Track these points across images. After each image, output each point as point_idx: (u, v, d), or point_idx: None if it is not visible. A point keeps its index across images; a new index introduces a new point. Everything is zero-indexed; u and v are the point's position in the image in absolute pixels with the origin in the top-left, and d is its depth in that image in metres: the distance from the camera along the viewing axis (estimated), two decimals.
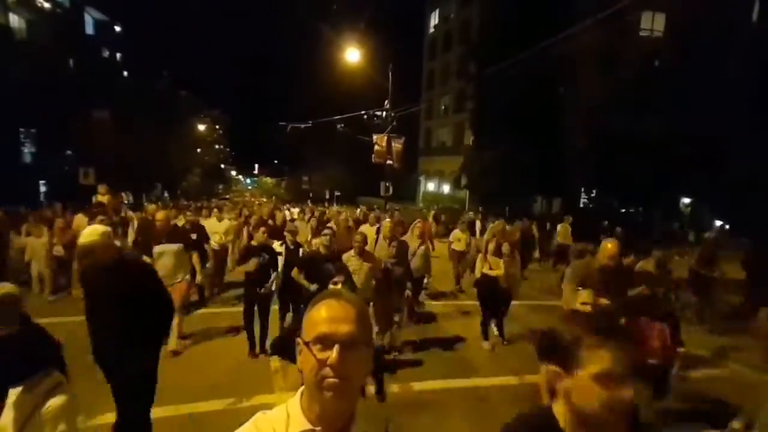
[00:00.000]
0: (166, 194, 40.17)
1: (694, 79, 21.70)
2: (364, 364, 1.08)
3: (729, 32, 24.02)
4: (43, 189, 27.03)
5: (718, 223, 26.90)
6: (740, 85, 21.36)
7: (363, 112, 26.07)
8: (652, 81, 22.29)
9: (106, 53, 37.16)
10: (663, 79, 22.45)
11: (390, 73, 22.75)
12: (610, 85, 22.90)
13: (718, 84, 21.69)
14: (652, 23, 29.94)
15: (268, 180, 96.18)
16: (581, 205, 28.70)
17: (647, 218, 25.22)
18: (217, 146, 72.86)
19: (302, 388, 1.11)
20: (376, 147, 23.27)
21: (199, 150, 54.96)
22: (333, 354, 1.01)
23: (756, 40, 25.71)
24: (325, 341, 1.03)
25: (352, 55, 22.95)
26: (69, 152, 28.60)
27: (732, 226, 22.85)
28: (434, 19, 46.33)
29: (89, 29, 34.91)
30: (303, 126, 30.76)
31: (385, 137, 22.98)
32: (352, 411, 1.09)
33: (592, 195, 28.04)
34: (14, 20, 26.12)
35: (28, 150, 27.21)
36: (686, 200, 29.02)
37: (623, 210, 27.35)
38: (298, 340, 1.09)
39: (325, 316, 1.06)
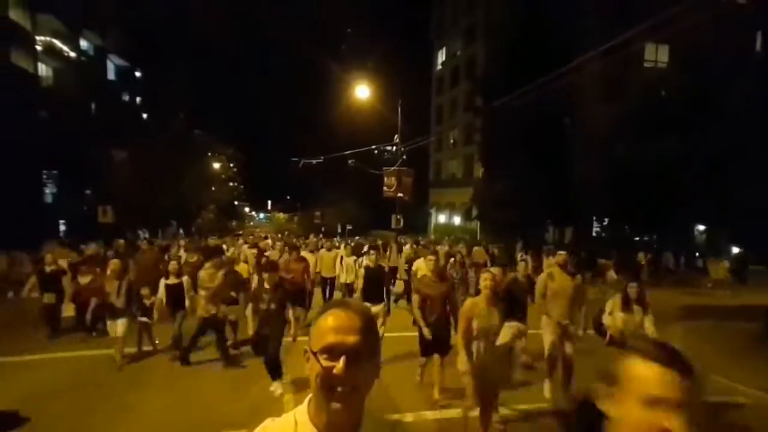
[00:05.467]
0: (181, 231, 40.77)
1: (700, 108, 21.88)
2: (371, 374, 1.10)
3: (733, 61, 24.33)
4: (62, 228, 27.70)
5: (735, 249, 26.49)
6: (747, 111, 21.45)
7: (373, 146, 26.67)
8: (659, 110, 22.50)
9: (126, 97, 38.68)
10: (669, 108, 22.65)
11: (399, 109, 23.32)
12: (616, 114, 23.18)
13: (724, 112, 21.83)
14: (656, 54, 30.46)
15: (281, 216, 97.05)
16: (594, 234, 28.52)
17: (661, 246, 24.91)
18: (231, 183, 74.24)
19: (310, 395, 1.12)
20: (386, 181, 23.60)
21: (213, 188, 56.02)
22: (339, 364, 1.02)
23: (760, 67, 26.00)
24: (332, 351, 1.04)
25: (362, 91, 23.64)
26: (88, 192, 29.42)
27: (749, 251, 22.49)
28: (441, 57, 47.61)
29: (111, 75, 36.50)
30: (315, 161, 31.41)
31: (395, 171, 23.33)
32: (359, 419, 1.10)
33: (604, 224, 27.86)
34: (42, 69, 27.49)
35: (49, 191, 28.09)
36: (701, 227, 28.69)
37: (636, 238, 27.10)
38: (306, 348, 1.11)
39: (332, 325, 1.07)
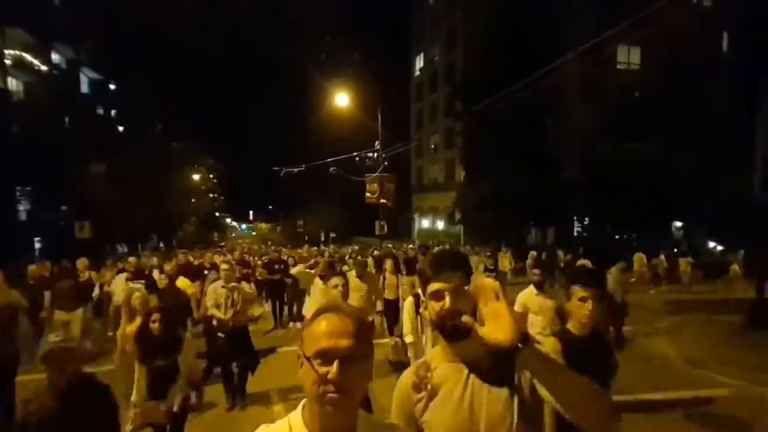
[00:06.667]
0: (161, 245, 40.11)
1: (672, 107, 22.49)
2: (365, 377, 1.10)
3: (702, 62, 25.08)
4: (38, 245, 26.97)
5: (711, 244, 27.15)
6: (718, 110, 22.12)
7: (355, 153, 26.69)
8: (633, 110, 23.03)
9: (101, 110, 37.96)
10: (643, 108, 23.21)
11: (379, 115, 23.40)
12: (594, 115, 23.66)
13: (696, 110, 22.47)
14: (629, 56, 31.19)
15: (263, 225, 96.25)
16: (575, 234, 28.92)
17: (641, 244, 25.41)
18: (211, 195, 73.40)
19: (304, 401, 1.13)
20: (369, 187, 23.64)
21: (193, 199, 55.32)
22: (333, 369, 1.02)
23: (727, 67, 26.85)
24: (326, 356, 1.04)
25: (342, 99, 23.68)
26: (64, 207, 28.74)
27: (726, 245, 23.07)
28: (419, 63, 47.98)
29: (84, 88, 35.79)
30: (296, 170, 31.25)
31: (377, 177, 23.39)
32: (353, 422, 1.11)
33: (585, 223, 28.29)
34: (12, 83, 26.82)
35: (23, 208, 27.34)
36: (678, 224, 29.33)
37: (617, 237, 27.56)
38: (299, 353, 1.11)
39: (325, 330, 1.07)
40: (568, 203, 24.45)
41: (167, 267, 8.48)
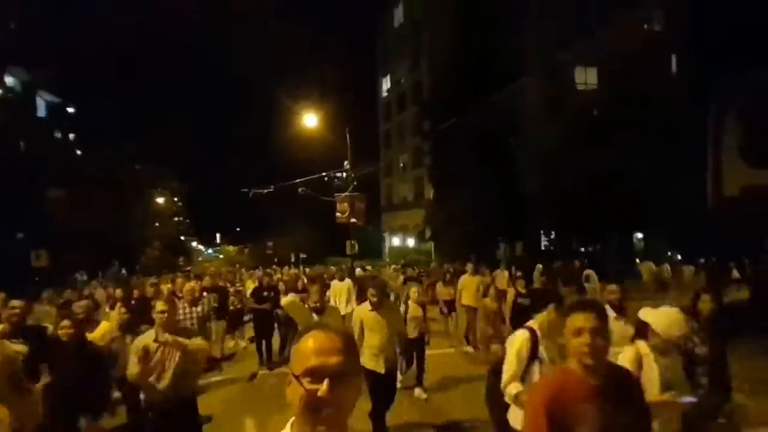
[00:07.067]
0: (123, 271, 38.64)
1: (629, 124, 23.58)
2: (353, 393, 1.10)
3: (654, 81, 26.52)
4: None
5: (674, 255, 28.28)
6: (670, 127, 23.35)
7: (324, 173, 26.63)
8: (591, 128, 24.01)
9: (58, 134, 36.71)
10: (600, 124, 24.25)
11: (347, 135, 23.49)
12: (555, 132, 24.55)
13: (651, 126, 23.64)
14: (586, 77, 32.64)
15: (231, 249, 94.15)
16: (542, 248, 29.60)
17: (604, 255, 26.22)
18: (176, 218, 71.43)
19: (292, 419, 1.11)
20: (339, 207, 23.58)
21: (157, 223, 53.70)
22: (323, 387, 1.02)
23: (677, 85, 28.47)
24: (315, 374, 1.04)
25: (310, 120, 23.68)
26: (20, 235, 27.41)
27: (683, 255, 24.04)
28: (386, 84, 48.74)
29: (41, 112, 34.64)
30: (264, 191, 30.87)
31: (348, 197, 23.37)
32: None
33: (551, 237, 29.03)
34: None
35: None
36: (639, 235, 30.48)
37: (582, 249, 28.37)
38: (288, 372, 1.10)
39: (313, 348, 1.08)
40: (534, 217, 25.08)
41: (78, 307, 6.02)
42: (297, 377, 1.06)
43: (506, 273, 12.15)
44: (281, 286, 10.97)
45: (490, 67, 23.88)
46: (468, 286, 9.50)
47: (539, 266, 13.41)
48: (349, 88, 50.38)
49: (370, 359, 4.68)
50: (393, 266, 20.00)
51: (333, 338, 1.10)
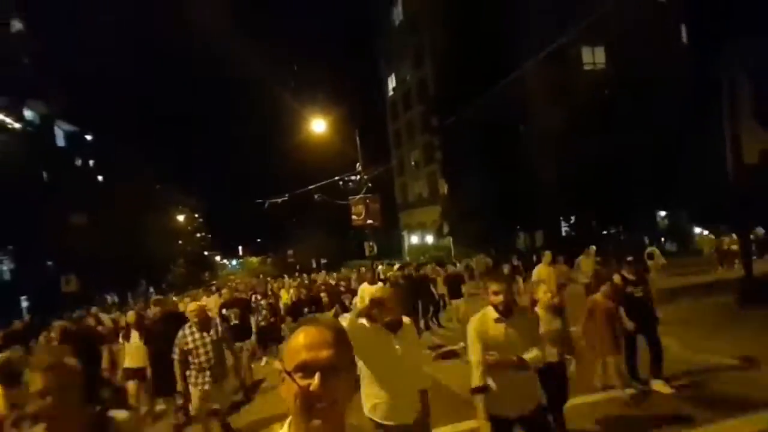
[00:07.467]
0: (151, 290, 39.52)
1: (641, 101, 23.11)
2: (347, 387, 1.09)
3: (664, 54, 25.94)
4: (25, 304, 26.44)
5: (698, 230, 27.59)
6: (681, 96, 22.80)
7: (337, 177, 26.78)
8: (603, 108, 23.61)
9: (78, 161, 37.83)
10: (612, 104, 23.82)
11: (357, 137, 23.57)
12: (566, 116, 24.20)
13: (663, 100, 23.13)
14: (593, 57, 32.09)
15: (253, 260, 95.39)
16: (563, 234, 29.21)
17: (628, 236, 25.75)
18: (198, 234, 72.88)
19: (289, 419, 1.10)
20: (354, 209, 23.64)
21: (180, 241, 54.91)
22: (315, 381, 1.01)
23: (688, 55, 27.76)
24: (306, 368, 1.03)
25: (319, 125, 23.81)
26: (50, 263, 28.31)
27: (710, 229, 23.46)
28: (392, 83, 48.72)
29: (60, 142, 35.73)
30: (280, 200, 31.20)
31: (362, 199, 23.42)
32: None
33: (572, 222, 28.62)
34: None
35: (6, 267, 26.91)
36: (662, 213, 29.83)
37: (604, 232, 27.90)
38: (280, 369, 1.09)
39: (304, 343, 1.06)
40: (552, 204, 24.77)
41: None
42: (289, 373, 1.04)
43: (590, 259, 10.72)
44: (323, 298, 9.61)
45: (494, 55, 23.64)
46: (548, 279, 7.55)
47: (592, 248, 11.54)
48: (355, 91, 50.63)
49: (495, 402, 3.07)
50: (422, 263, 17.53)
51: (323, 332, 1.08)
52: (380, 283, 8.63)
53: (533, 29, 24.69)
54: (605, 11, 13.91)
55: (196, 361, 5.00)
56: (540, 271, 8.74)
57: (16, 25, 30.61)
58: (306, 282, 15.87)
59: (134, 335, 6.55)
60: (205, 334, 5.09)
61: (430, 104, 32.09)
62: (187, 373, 5.04)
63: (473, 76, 23.56)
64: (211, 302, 11.15)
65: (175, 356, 5.03)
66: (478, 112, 20.84)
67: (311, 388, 1.01)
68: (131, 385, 6.38)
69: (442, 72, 32.18)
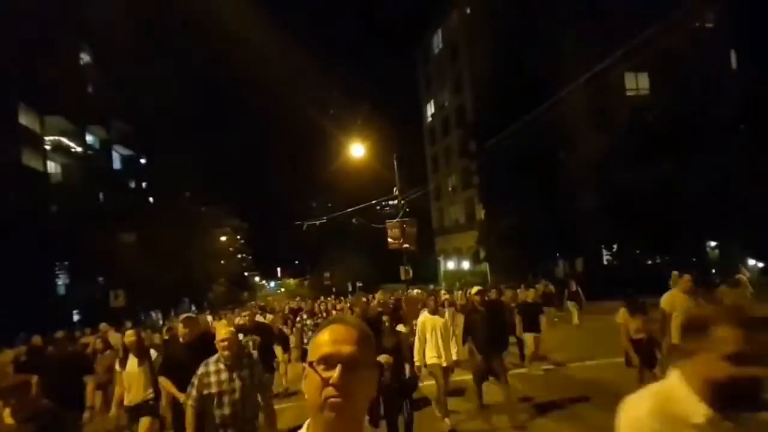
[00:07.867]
0: (193, 308, 40.75)
1: (686, 128, 22.38)
2: (367, 386, 1.10)
3: (712, 80, 25.15)
4: (76, 317, 27.84)
5: (752, 262, 26.02)
6: (732, 127, 21.97)
7: (374, 201, 27.13)
8: (647, 135, 23.00)
9: (132, 183, 40.05)
10: (656, 131, 23.18)
11: (395, 162, 23.93)
12: (607, 143, 23.72)
13: (711, 128, 22.33)
14: (637, 82, 31.53)
15: (291, 282, 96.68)
16: (605, 263, 28.24)
17: (673, 267, 24.61)
18: (239, 255, 74.89)
19: (308, 421, 1.12)
20: (390, 233, 23.81)
21: (222, 261, 56.56)
22: (335, 373, 1.04)
23: (738, 82, 26.79)
24: (328, 361, 1.06)
25: (357, 150, 24.38)
26: (100, 279, 29.81)
27: (760, 259, 22.20)
28: (431, 109, 49.31)
29: (116, 164, 38.03)
30: (318, 223, 31.85)
31: (398, 223, 23.60)
32: None
33: (614, 250, 27.66)
34: (51, 166, 28.78)
35: (62, 281, 28.51)
36: (713, 243, 28.35)
37: (649, 262, 26.77)
38: (304, 364, 1.12)
39: (329, 338, 1.10)
40: (592, 231, 24.11)
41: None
42: (311, 364, 1.08)
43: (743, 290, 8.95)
44: (385, 321, 6.81)
45: (533, 81, 23.61)
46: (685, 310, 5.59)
47: (743, 277, 10.31)
48: (394, 117, 51.55)
49: None
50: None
51: (350, 329, 1.12)
52: (446, 312, 7.30)
53: (574, 54, 24.60)
54: (649, 35, 13.74)
55: (218, 412, 3.54)
56: (672, 297, 6.19)
57: (85, 57, 33.20)
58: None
59: (132, 362, 5.33)
60: (235, 375, 3.59)
61: (468, 129, 32.20)
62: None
63: (512, 102, 23.56)
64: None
65: (189, 401, 3.60)
66: (516, 137, 20.76)
67: (331, 381, 1.03)
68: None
69: (480, 98, 32.35)
